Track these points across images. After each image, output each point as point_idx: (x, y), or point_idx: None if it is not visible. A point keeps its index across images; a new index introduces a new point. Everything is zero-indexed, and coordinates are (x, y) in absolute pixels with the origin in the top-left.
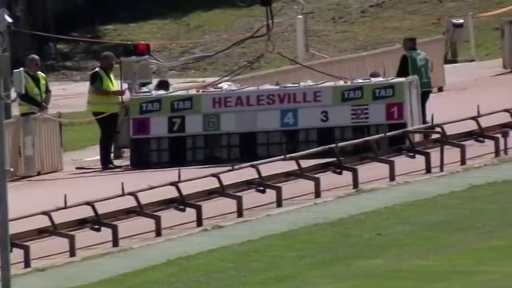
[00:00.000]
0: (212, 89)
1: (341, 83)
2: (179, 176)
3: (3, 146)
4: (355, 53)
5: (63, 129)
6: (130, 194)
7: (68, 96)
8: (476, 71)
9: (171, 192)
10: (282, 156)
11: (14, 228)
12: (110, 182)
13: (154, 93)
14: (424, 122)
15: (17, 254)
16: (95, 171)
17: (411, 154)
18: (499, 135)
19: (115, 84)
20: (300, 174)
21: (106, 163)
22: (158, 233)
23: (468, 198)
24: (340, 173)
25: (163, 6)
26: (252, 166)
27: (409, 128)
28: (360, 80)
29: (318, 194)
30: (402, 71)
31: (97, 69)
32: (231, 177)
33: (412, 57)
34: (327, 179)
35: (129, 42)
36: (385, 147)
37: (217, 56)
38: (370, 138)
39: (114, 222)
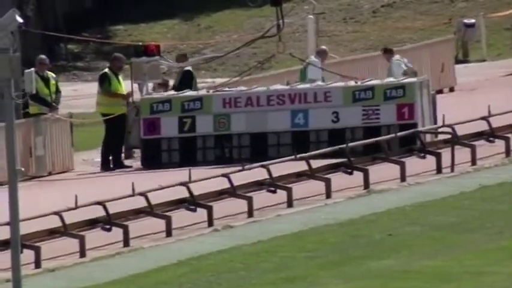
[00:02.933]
0: (223, 90)
1: (352, 83)
2: (190, 176)
3: (14, 146)
4: (366, 53)
5: (74, 129)
6: (141, 194)
7: (79, 96)
8: (488, 71)
9: (181, 193)
10: (293, 157)
11: (25, 228)
12: (120, 182)
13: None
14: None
15: (27, 255)
16: (107, 171)
17: (422, 154)
18: (509, 135)
19: (123, 86)
20: (310, 174)
21: (106, 164)
22: (169, 233)
23: (478, 198)
24: (351, 174)
25: (174, 7)
26: (263, 166)
27: (420, 129)
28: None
29: (328, 194)
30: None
31: (106, 70)
32: (241, 177)
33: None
34: (338, 179)
35: (140, 43)
36: (396, 147)
37: (227, 57)
38: (381, 139)
39: (125, 222)
